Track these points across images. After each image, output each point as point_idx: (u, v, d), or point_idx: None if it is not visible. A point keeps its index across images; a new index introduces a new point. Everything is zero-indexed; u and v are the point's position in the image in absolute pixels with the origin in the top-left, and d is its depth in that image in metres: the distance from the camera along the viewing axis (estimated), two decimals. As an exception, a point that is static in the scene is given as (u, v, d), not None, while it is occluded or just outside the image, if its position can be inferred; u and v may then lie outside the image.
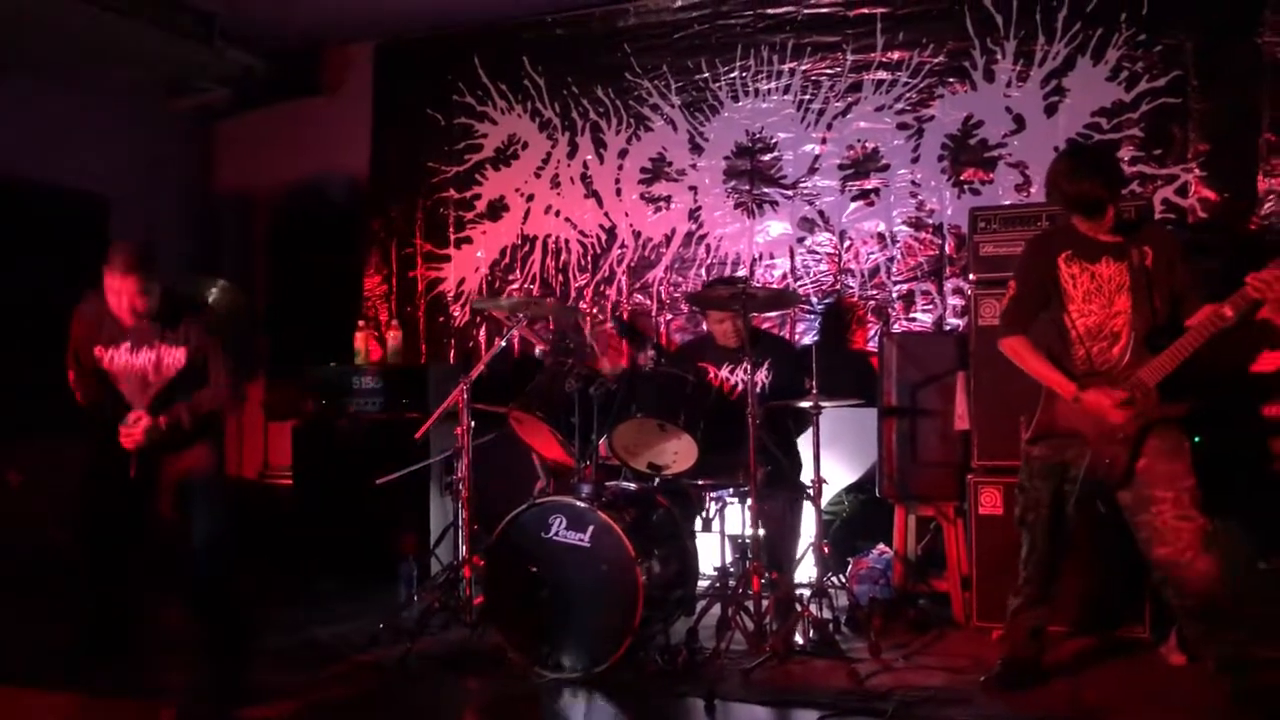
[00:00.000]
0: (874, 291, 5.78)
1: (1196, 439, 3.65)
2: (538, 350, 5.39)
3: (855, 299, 5.82)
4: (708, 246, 6.16)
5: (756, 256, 6.04)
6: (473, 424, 4.73)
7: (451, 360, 6.67)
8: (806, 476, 4.63)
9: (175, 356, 3.96)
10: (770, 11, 6.00)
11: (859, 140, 5.84)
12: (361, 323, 6.48)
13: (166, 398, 3.95)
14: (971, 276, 4.79)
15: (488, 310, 6.34)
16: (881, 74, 5.78)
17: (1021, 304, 3.81)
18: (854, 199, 5.84)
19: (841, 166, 5.87)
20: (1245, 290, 3.36)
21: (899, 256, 5.74)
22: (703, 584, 4.68)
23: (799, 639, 4.29)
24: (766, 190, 6.03)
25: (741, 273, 5.92)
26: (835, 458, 5.47)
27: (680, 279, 6.20)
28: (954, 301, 5.59)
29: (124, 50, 6.05)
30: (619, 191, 6.37)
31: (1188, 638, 3.91)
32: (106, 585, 4.01)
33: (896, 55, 5.75)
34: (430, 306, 6.83)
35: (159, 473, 3.99)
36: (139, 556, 4.07)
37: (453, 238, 6.78)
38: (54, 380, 4.11)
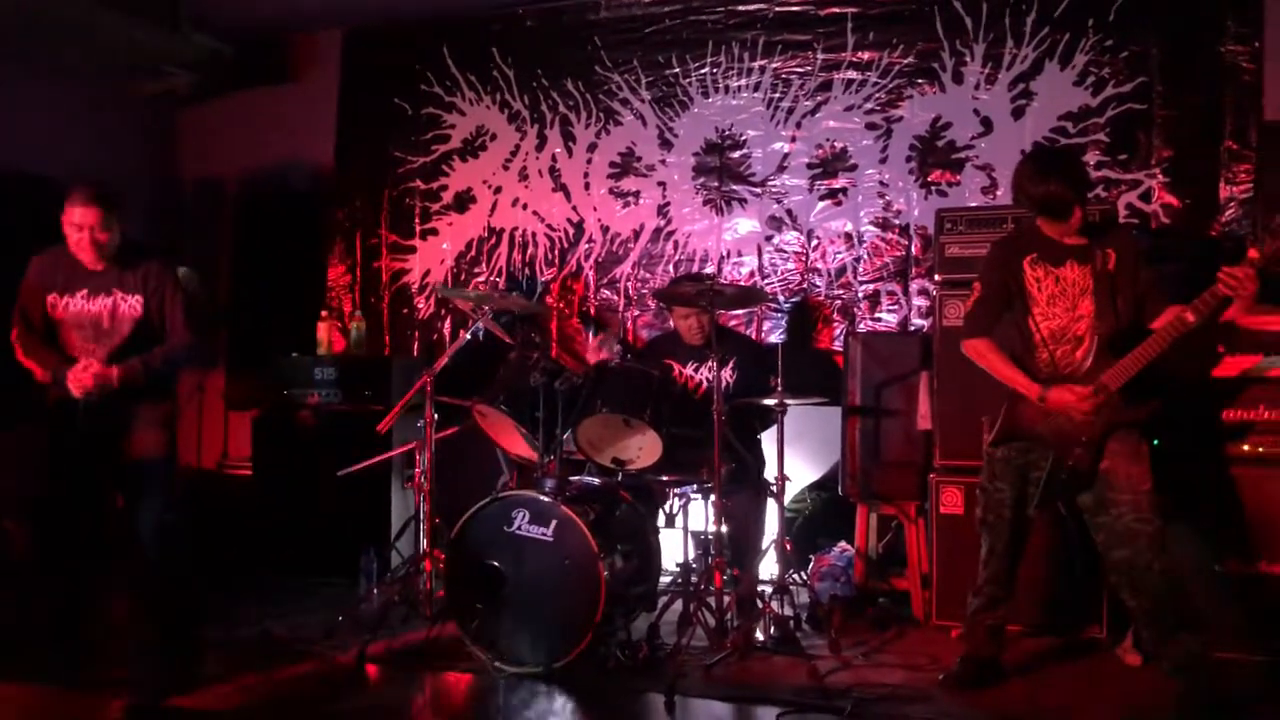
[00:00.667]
0: (840, 291, 5.80)
1: (1155, 442, 3.68)
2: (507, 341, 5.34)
3: (822, 298, 5.83)
4: (676, 243, 6.15)
5: (724, 254, 6.04)
6: (436, 417, 4.70)
7: (415, 352, 6.61)
8: (770, 474, 4.64)
9: (131, 305, 3.88)
10: (741, 8, 6.00)
11: (828, 139, 5.85)
12: (325, 313, 6.40)
13: (121, 353, 3.87)
14: (937, 277, 4.82)
15: (453, 300, 6.30)
16: (851, 74, 5.80)
17: (986, 306, 3.82)
18: (822, 198, 5.85)
19: (810, 165, 5.88)
20: (1216, 288, 3.34)
21: (865, 256, 5.76)
22: (665, 580, 4.67)
23: (760, 635, 4.29)
24: (735, 188, 6.03)
25: (709, 270, 5.91)
26: (799, 455, 5.48)
27: (648, 275, 6.18)
28: (919, 302, 5.61)
29: (87, 33, 5.94)
30: (587, 186, 6.34)
31: (1144, 639, 3.95)
32: (57, 573, 3.95)
33: (866, 55, 5.77)
34: (395, 298, 6.77)
35: (109, 458, 3.91)
36: (89, 544, 4.00)
37: (418, 229, 6.72)
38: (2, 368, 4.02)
